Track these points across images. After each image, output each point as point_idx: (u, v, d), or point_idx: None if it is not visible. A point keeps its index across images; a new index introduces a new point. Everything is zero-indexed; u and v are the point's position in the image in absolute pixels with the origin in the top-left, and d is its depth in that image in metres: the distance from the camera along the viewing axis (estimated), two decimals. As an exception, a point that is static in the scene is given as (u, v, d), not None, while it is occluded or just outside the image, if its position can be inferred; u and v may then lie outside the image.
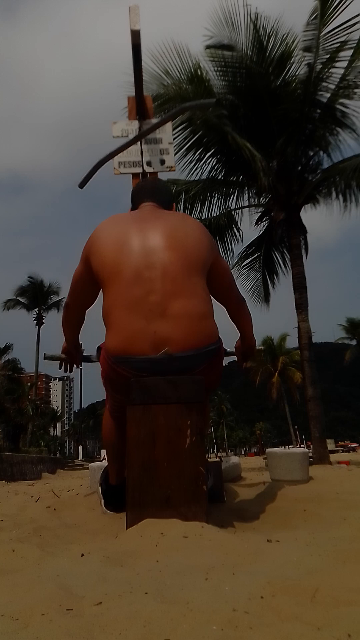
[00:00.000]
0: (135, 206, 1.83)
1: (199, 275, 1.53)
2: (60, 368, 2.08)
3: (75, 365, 2.09)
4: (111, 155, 2.20)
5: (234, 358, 2.07)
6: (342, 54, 8.15)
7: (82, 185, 2.10)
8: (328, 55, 8.27)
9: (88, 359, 2.07)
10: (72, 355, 2.03)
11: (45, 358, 2.07)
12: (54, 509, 2.08)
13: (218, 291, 1.68)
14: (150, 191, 1.84)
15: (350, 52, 8.01)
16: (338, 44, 8.09)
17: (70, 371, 2.12)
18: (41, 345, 35.89)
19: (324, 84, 8.59)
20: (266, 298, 10.86)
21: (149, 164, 2.84)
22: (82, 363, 2.09)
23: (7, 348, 36.44)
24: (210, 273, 1.61)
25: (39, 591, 0.82)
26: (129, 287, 1.45)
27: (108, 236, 1.58)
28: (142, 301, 1.43)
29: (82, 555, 1.08)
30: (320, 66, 8.39)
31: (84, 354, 2.08)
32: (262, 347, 2.05)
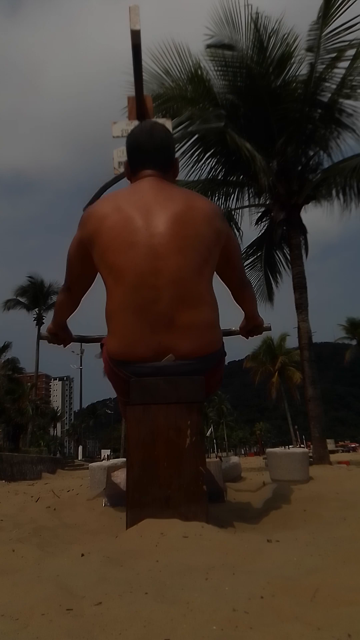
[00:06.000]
0: (133, 168, 1.65)
1: (207, 275, 1.47)
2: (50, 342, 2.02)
3: (64, 345, 2.03)
4: (118, 178, 2.20)
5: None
6: (343, 53, 8.15)
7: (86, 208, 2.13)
8: (329, 55, 8.28)
9: (84, 338, 2.06)
10: (59, 336, 1.96)
11: (41, 338, 2.07)
12: (54, 509, 2.08)
13: (223, 270, 1.61)
14: (150, 153, 1.62)
15: (352, 51, 8.01)
16: (339, 44, 8.09)
17: (64, 347, 2.06)
18: (41, 345, 35.81)
19: (325, 84, 8.59)
20: (270, 297, 10.91)
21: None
22: (79, 343, 2.08)
23: (6, 347, 36.41)
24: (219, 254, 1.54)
25: (39, 591, 0.82)
26: (134, 292, 1.39)
27: (109, 229, 1.46)
28: (148, 309, 1.38)
29: (82, 555, 1.08)
30: (321, 66, 8.39)
31: (80, 335, 2.05)
32: (269, 325, 1.99)
